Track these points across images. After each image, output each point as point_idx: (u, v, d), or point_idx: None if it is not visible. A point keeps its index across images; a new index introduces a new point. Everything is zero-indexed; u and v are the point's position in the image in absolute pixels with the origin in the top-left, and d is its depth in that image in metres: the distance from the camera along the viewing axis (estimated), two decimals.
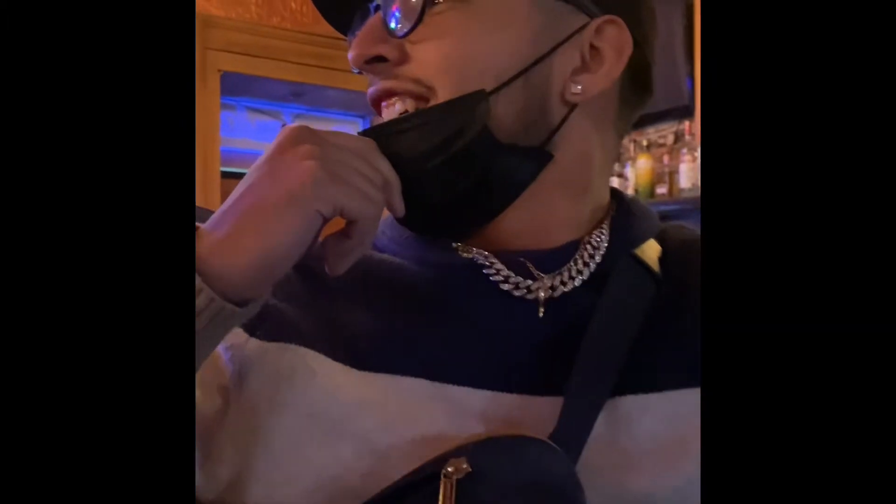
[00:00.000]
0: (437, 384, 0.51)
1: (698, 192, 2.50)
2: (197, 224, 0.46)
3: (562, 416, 0.48)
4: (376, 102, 0.54)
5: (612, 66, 0.53)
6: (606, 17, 0.53)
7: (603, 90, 0.54)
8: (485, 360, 0.52)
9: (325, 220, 0.46)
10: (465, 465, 0.44)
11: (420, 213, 0.52)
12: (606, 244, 0.55)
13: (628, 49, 0.53)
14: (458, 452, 0.45)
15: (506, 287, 0.53)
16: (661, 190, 2.87)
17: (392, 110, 0.53)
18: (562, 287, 0.53)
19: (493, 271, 0.53)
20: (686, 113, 2.76)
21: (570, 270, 0.54)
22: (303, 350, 0.52)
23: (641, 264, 0.56)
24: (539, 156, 0.53)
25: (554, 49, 0.52)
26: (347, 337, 0.53)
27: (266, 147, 0.48)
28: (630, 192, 2.82)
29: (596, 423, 0.49)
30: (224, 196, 0.46)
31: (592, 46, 0.53)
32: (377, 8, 0.53)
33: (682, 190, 2.79)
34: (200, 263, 0.43)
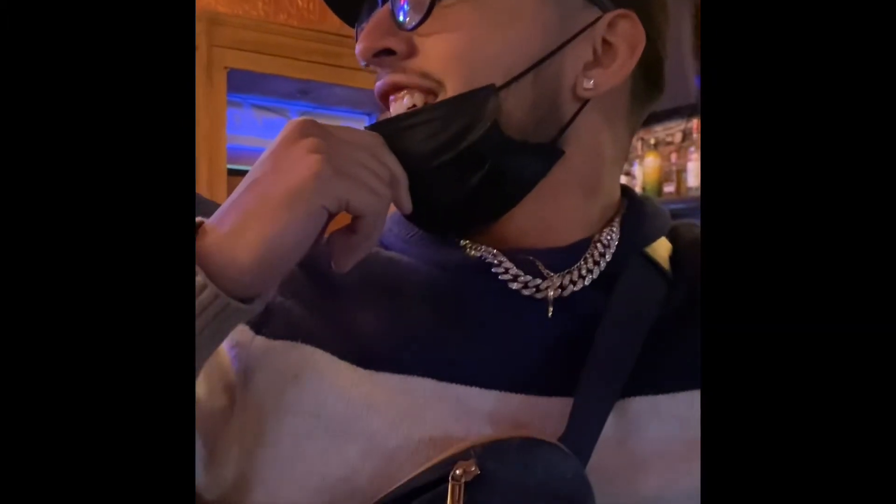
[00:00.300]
0: (444, 384, 0.50)
1: None
2: (202, 219, 0.45)
3: (571, 418, 0.48)
4: (384, 96, 0.54)
5: (625, 61, 0.52)
6: (619, 11, 0.52)
7: (615, 86, 0.53)
8: (493, 360, 0.51)
9: (331, 216, 0.46)
10: (473, 468, 0.43)
11: (427, 209, 0.51)
12: (617, 243, 0.55)
13: (641, 44, 0.52)
14: (466, 454, 0.44)
15: (514, 286, 0.52)
16: (669, 188, 2.86)
17: (400, 104, 0.52)
18: (571, 286, 0.53)
19: (502, 270, 0.53)
20: (694, 111, 2.74)
21: (579, 269, 0.53)
22: (309, 349, 0.51)
23: (652, 263, 0.56)
24: (549, 152, 0.52)
25: (565, 43, 0.51)
26: (354, 336, 0.52)
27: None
28: (638, 190, 2.80)
29: (606, 425, 0.49)
30: (230, 193, 0.46)
31: (605, 41, 0.52)
32: (385, 0, 0.53)
33: (689, 188, 2.78)
34: (204, 259, 0.43)
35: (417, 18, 0.50)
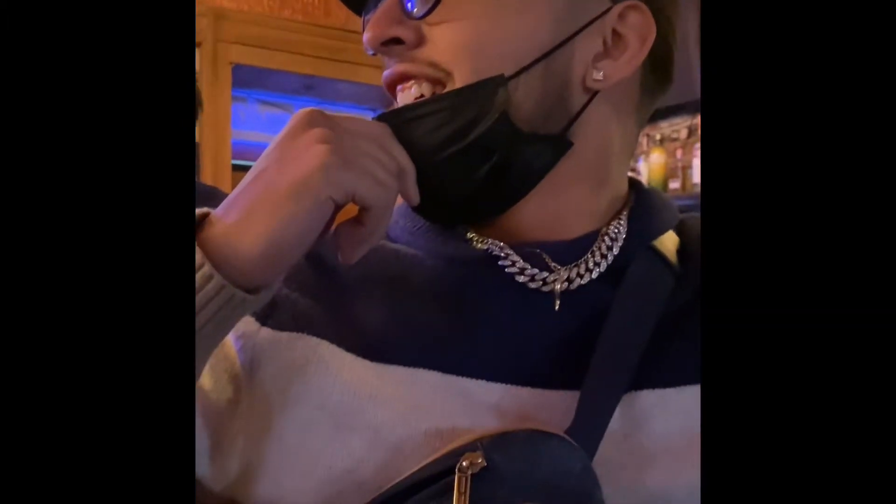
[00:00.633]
0: (450, 377, 0.50)
1: None
2: (208, 210, 0.45)
3: (578, 411, 0.48)
4: (391, 86, 0.53)
5: (635, 52, 0.52)
6: (629, 2, 0.52)
7: (625, 77, 0.52)
8: (499, 353, 0.51)
9: (338, 207, 0.45)
10: (480, 460, 0.43)
11: (435, 201, 0.51)
12: (624, 236, 0.54)
13: (652, 35, 0.52)
14: (472, 447, 0.44)
15: (521, 279, 0.52)
16: (674, 184, 2.85)
17: (408, 94, 0.52)
18: (578, 279, 0.52)
19: (509, 263, 0.52)
20: (700, 108, 2.73)
21: (587, 262, 0.53)
22: (315, 340, 0.51)
23: (660, 256, 0.55)
24: (558, 144, 0.52)
25: (575, 34, 0.51)
26: (361, 328, 0.52)
27: None
28: None
29: (612, 419, 0.48)
30: (234, 188, 0.46)
31: (615, 32, 0.52)
32: None
33: (695, 185, 2.77)
34: (210, 249, 0.43)
35: (426, 7, 0.50)
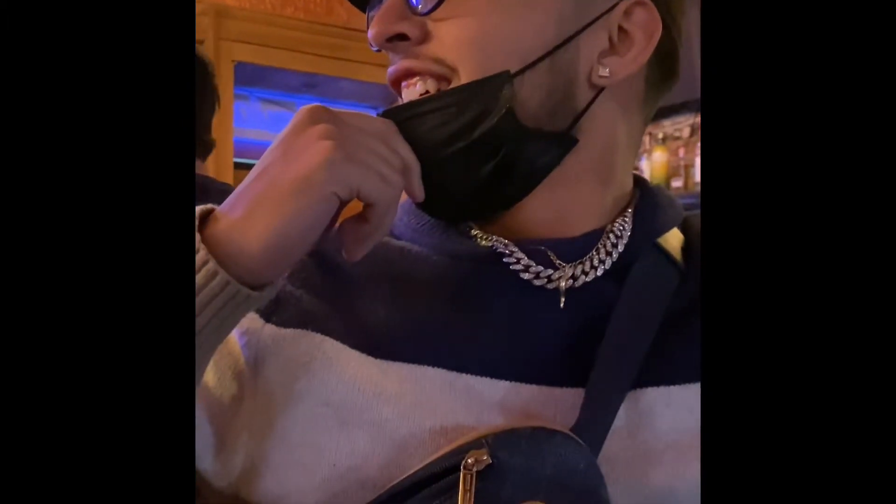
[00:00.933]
0: (455, 374, 0.50)
1: None
2: (213, 206, 0.45)
3: (583, 408, 0.48)
4: (396, 82, 0.53)
5: (641, 49, 0.52)
6: None
7: (631, 74, 0.52)
8: (504, 351, 0.51)
9: (342, 203, 0.45)
10: (485, 457, 0.43)
11: (440, 198, 0.51)
12: (629, 233, 0.54)
13: (657, 32, 0.52)
14: (478, 444, 0.44)
15: (526, 276, 0.52)
16: (677, 183, 2.85)
17: (412, 90, 0.52)
18: (583, 277, 0.52)
19: (514, 260, 0.52)
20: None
21: (591, 260, 0.53)
22: (319, 337, 0.51)
23: (664, 254, 0.55)
24: (564, 141, 0.52)
25: (581, 30, 0.51)
26: (365, 325, 0.52)
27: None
28: None
29: (617, 416, 0.48)
30: (237, 186, 0.46)
31: (621, 28, 0.52)
32: None
33: (697, 183, 2.76)
34: (215, 246, 0.43)
35: (431, 3, 0.50)
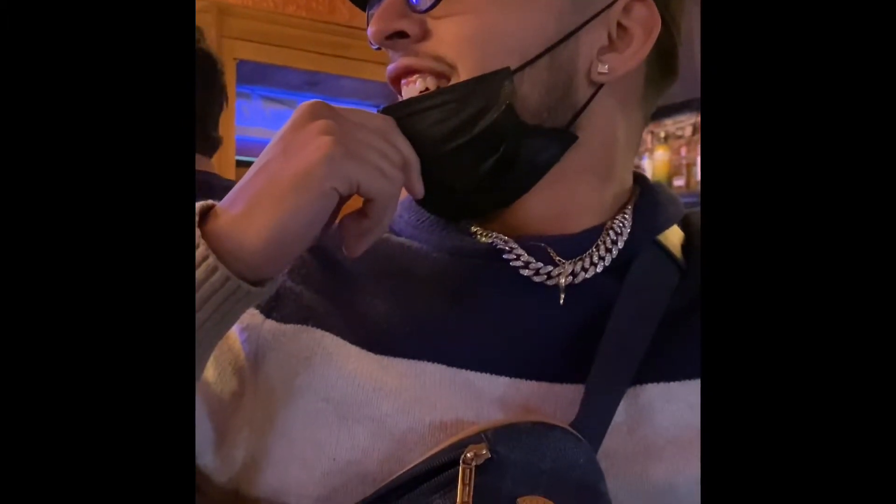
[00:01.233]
0: (455, 370, 0.50)
1: None
2: (213, 202, 0.45)
3: (583, 404, 0.48)
4: (396, 80, 0.53)
5: (641, 45, 0.52)
6: None
7: (630, 70, 0.52)
8: (504, 347, 0.51)
9: (342, 199, 0.45)
10: (484, 451, 0.43)
11: (440, 194, 0.51)
12: (629, 230, 0.54)
13: (657, 28, 0.52)
14: (477, 438, 0.44)
15: (526, 273, 0.52)
16: (679, 182, 2.84)
17: (412, 88, 0.52)
18: (583, 273, 0.52)
19: (513, 256, 0.52)
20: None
21: (591, 256, 0.53)
22: (319, 333, 0.51)
23: (664, 251, 0.55)
24: (563, 137, 0.52)
25: (580, 27, 0.51)
26: (365, 321, 0.52)
27: None
28: None
29: (617, 412, 0.48)
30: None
31: (620, 25, 0.52)
32: None
33: (699, 182, 2.76)
34: (215, 241, 0.43)
35: (431, 1, 0.50)
